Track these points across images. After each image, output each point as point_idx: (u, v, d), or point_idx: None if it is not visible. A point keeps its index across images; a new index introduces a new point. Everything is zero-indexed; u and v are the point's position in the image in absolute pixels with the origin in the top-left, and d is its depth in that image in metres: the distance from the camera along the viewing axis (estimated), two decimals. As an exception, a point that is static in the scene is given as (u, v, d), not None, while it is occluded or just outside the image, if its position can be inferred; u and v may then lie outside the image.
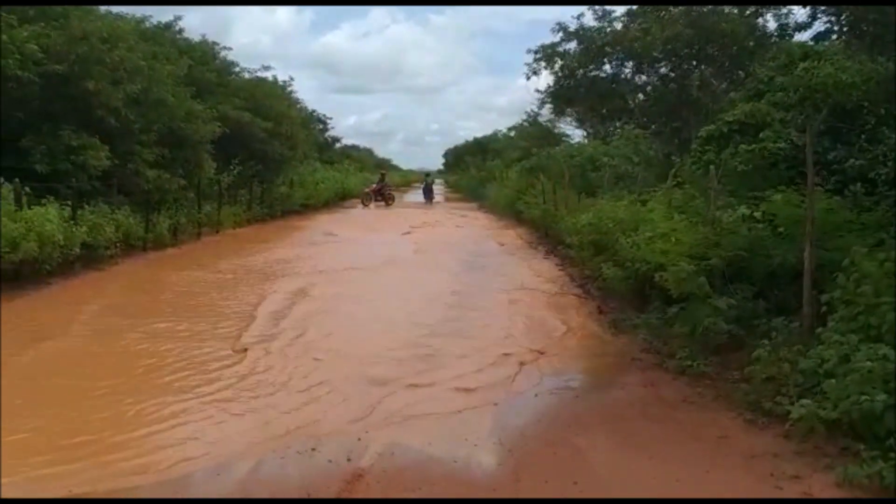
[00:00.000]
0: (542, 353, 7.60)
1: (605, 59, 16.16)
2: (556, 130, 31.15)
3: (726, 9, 13.95)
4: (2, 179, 11.01)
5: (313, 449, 4.95)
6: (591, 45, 15.87)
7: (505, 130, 45.26)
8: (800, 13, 9.82)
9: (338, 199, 35.80)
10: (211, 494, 4.40)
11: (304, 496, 4.32)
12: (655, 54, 15.17)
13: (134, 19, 18.47)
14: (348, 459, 4.77)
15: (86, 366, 6.85)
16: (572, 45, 16.41)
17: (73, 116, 13.52)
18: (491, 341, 8.12)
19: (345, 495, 4.33)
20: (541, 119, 31.19)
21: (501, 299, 10.78)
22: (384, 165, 61.35)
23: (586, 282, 11.59)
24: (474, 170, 42.38)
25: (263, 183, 24.80)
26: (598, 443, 5.22)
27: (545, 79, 18.16)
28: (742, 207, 7.66)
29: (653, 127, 16.51)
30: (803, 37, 11.35)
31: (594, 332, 8.64)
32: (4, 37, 11.77)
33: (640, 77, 16.44)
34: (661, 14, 14.61)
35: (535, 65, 17.04)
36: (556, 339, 8.35)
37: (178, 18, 21.87)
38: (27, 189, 11.22)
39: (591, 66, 16.27)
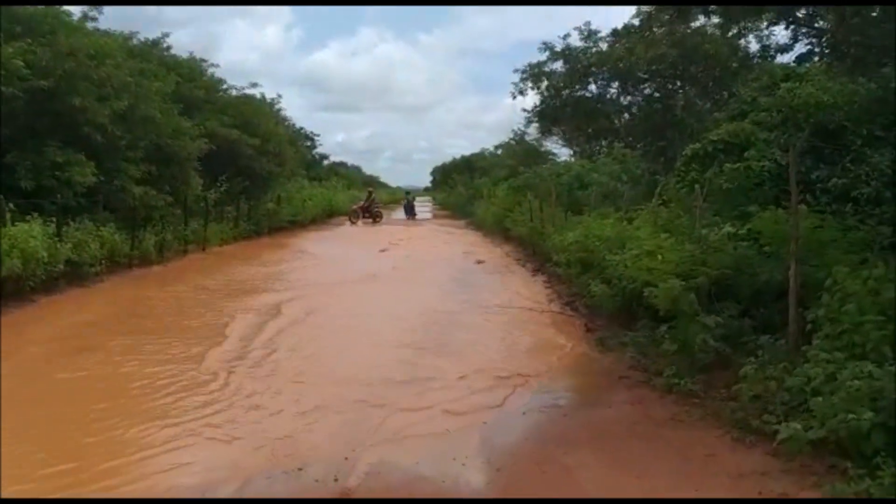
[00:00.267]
0: (529, 372, 7.58)
1: (591, 79, 16.37)
2: (542, 149, 31.38)
3: (709, 30, 14.17)
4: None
5: (300, 469, 4.90)
6: (577, 64, 16.07)
7: (492, 149, 45.64)
8: (781, 35, 9.99)
9: (325, 216, 35.76)
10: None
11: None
12: (640, 74, 15.38)
13: (121, 36, 18.47)
14: (335, 479, 4.72)
15: (74, 390, 6.75)
16: (558, 65, 16.61)
17: (59, 132, 13.46)
18: (477, 359, 8.09)
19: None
20: (528, 138, 31.44)
21: (488, 317, 10.77)
22: (372, 183, 61.49)
23: (573, 299, 11.60)
24: (462, 188, 42.48)
25: (251, 200, 24.74)
26: (586, 461, 5.20)
27: (532, 98, 18.33)
28: (727, 226, 7.73)
29: (638, 146, 16.69)
30: (785, 59, 11.54)
31: (582, 350, 8.63)
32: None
33: (625, 97, 16.65)
34: (646, 35, 14.81)
35: (521, 84, 17.23)
36: (543, 356, 8.33)
37: (166, 35, 21.95)
38: (11, 205, 11.15)
39: (576, 86, 16.48)
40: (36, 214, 11.49)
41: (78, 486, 4.60)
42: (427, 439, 5.57)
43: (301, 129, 42.57)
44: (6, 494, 4.32)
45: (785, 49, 11.68)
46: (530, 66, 16.91)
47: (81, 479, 4.67)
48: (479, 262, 17.84)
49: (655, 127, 15.75)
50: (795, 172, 6.71)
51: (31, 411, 5.93)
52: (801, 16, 9.02)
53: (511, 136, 35.66)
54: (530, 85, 16.96)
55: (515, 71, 17.32)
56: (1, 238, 10.13)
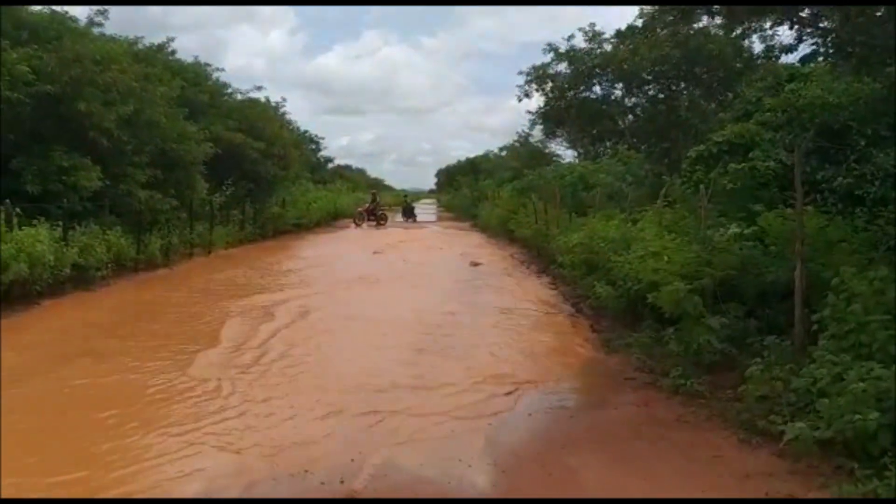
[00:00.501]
0: (533, 373, 7.59)
1: (595, 81, 16.36)
2: (546, 151, 31.38)
3: (713, 30, 14.15)
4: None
5: (306, 471, 4.90)
6: (582, 66, 16.05)
7: (496, 150, 45.64)
8: (785, 35, 9.95)
9: (330, 218, 35.81)
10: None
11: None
12: (644, 76, 15.37)
13: (126, 41, 18.56)
14: (341, 481, 4.73)
15: (85, 397, 6.77)
16: (563, 67, 16.60)
17: (65, 137, 13.52)
18: (482, 361, 8.09)
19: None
20: (532, 140, 31.43)
21: (493, 318, 10.76)
22: (376, 185, 61.51)
23: (578, 301, 11.59)
24: (467, 189, 42.48)
25: (256, 203, 24.80)
26: (592, 463, 5.19)
27: (536, 100, 18.34)
28: (733, 226, 7.72)
29: (643, 147, 16.66)
30: (789, 59, 11.50)
31: (587, 352, 8.62)
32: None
33: (629, 98, 16.63)
34: (649, 36, 14.80)
35: (526, 87, 17.23)
36: (548, 358, 8.33)
37: (171, 40, 22.03)
38: (18, 210, 11.19)
39: (581, 88, 16.46)
40: (42, 219, 11.54)
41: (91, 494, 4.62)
42: (432, 441, 5.57)
43: (306, 132, 42.69)
44: (6, 495, 4.33)
45: (789, 49, 11.61)
46: (534, 67, 16.93)
47: (92, 488, 4.66)
48: (475, 263, 17.75)
49: (660, 128, 15.74)
50: (800, 172, 6.70)
51: (38, 418, 5.90)
52: (805, 16, 8.99)
53: (515, 137, 35.71)
54: (535, 87, 16.97)
55: (520, 73, 17.36)
56: (3, 242, 10.16)
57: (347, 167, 68.01)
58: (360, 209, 36.77)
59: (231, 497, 4.55)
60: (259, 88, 26.85)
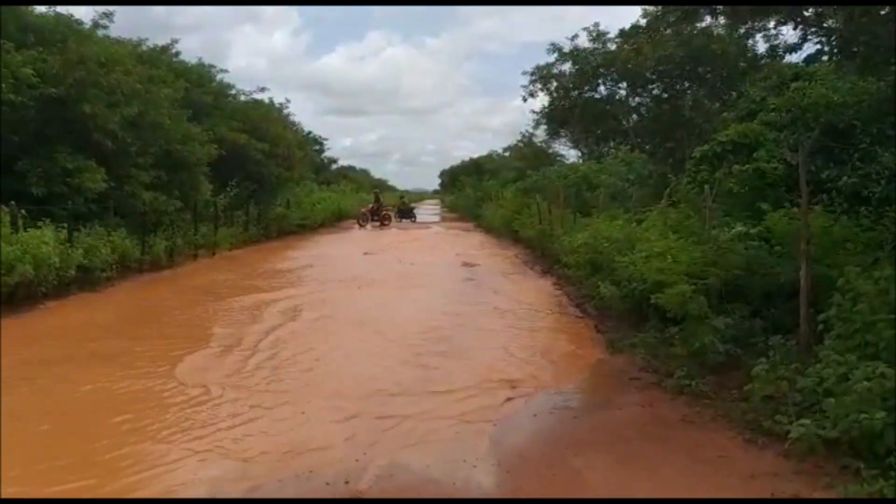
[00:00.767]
0: (539, 373, 7.59)
1: (600, 81, 16.33)
2: (550, 151, 31.35)
3: (716, 30, 14.13)
4: (-2, 202, 11.03)
5: (311, 471, 4.91)
6: (586, 65, 16.04)
7: (500, 151, 45.59)
8: (790, 34, 9.93)
9: (334, 219, 35.85)
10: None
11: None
12: (648, 75, 15.34)
13: (130, 43, 18.63)
14: (346, 482, 4.73)
15: (92, 401, 6.78)
16: (567, 66, 16.59)
17: (70, 139, 13.57)
18: (487, 361, 8.09)
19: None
20: (536, 140, 31.40)
21: (497, 318, 10.76)
22: (379, 186, 61.48)
23: (583, 301, 11.58)
24: (470, 190, 42.45)
25: (259, 204, 24.84)
26: (597, 463, 5.18)
27: (541, 100, 18.33)
28: (738, 226, 7.70)
29: (647, 147, 16.64)
30: (793, 58, 11.47)
31: (592, 352, 8.61)
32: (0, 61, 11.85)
33: (633, 98, 16.61)
34: (653, 36, 14.78)
35: (530, 86, 17.22)
36: (553, 358, 8.33)
37: (175, 41, 22.09)
38: (23, 212, 11.23)
39: (585, 87, 16.44)
40: (48, 220, 11.58)
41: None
42: (437, 442, 5.56)
43: (309, 132, 42.77)
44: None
45: (793, 49, 11.59)
46: (538, 67, 16.92)
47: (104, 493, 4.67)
48: (469, 264, 17.71)
49: (664, 128, 15.72)
50: (805, 172, 6.69)
51: (46, 423, 5.83)
52: (809, 15, 8.97)
53: (519, 138, 35.67)
54: (539, 87, 16.96)
55: (524, 73, 17.34)
56: (9, 244, 10.19)
57: (351, 168, 68.21)
58: (363, 210, 36.79)
59: (234, 497, 4.55)
60: (263, 89, 26.92)
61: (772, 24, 9.81)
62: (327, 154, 51.60)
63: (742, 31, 11.24)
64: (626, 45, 15.50)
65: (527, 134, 32.54)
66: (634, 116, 16.93)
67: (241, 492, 4.61)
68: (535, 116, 21.37)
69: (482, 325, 10.31)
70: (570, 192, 18.80)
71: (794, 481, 4.62)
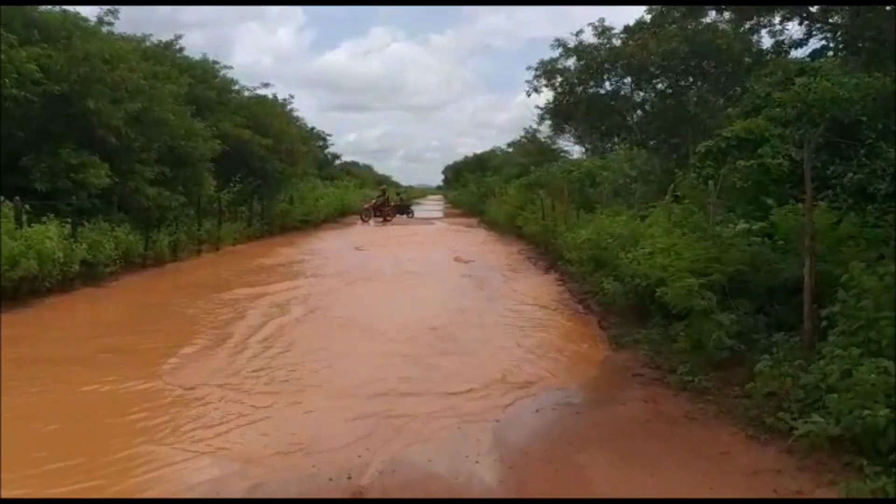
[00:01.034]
0: (542, 369, 7.59)
1: (605, 76, 16.26)
2: (554, 147, 31.28)
3: (721, 25, 14.05)
4: (2, 198, 11.04)
5: (313, 467, 4.92)
6: (591, 61, 15.97)
7: (504, 147, 45.52)
8: (795, 30, 9.88)
9: (337, 215, 35.86)
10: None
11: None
12: (652, 69, 15.28)
13: (135, 39, 18.66)
14: (349, 477, 4.74)
15: (97, 401, 6.80)
16: (571, 62, 16.52)
17: (74, 135, 13.60)
18: (490, 357, 8.10)
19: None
20: (539, 135, 31.34)
21: (501, 314, 10.76)
22: (384, 181, 61.41)
23: (586, 297, 11.57)
24: (474, 186, 42.41)
25: (263, 200, 24.85)
26: (600, 459, 5.18)
27: (545, 95, 18.26)
28: (742, 222, 7.68)
29: (651, 143, 16.58)
30: (799, 54, 11.40)
31: (595, 348, 8.61)
32: (3, 56, 11.85)
33: (638, 93, 16.54)
34: (657, 32, 14.73)
35: (535, 82, 17.14)
36: (556, 354, 8.32)
37: (179, 37, 22.11)
38: (27, 207, 11.26)
39: (590, 83, 16.37)
40: (52, 216, 11.62)
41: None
42: (440, 437, 5.57)
43: (313, 128, 42.71)
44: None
45: (799, 44, 11.52)
46: (543, 62, 16.83)
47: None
48: (471, 260, 17.68)
49: (668, 123, 15.65)
50: (811, 168, 6.66)
51: (52, 423, 5.78)
52: (814, 11, 8.92)
53: (523, 134, 35.61)
54: (544, 82, 16.88)
55: (528, 68, 17.24)
56: (13, 239, 10.22)
57: (355, 164, 68.16)
58: (366, 205, 36.77)
59: (238, 497, 4.56)
60: (266, 85, 26.89)
61: (777, 19, 9.75)
62: (331, 150, 51.59)
63: (747, 26, 11.17)
64: (630, 41, 15.44)
65: (530, 130, 32.52)
66: (639, 112, 16.86)
67: (244, 490, 4.60)
68: (540, 112, 21.32)
69: (484, 321, 10.31)
70: (573, 188, 18.78)
71: (797, 478, 4.61)
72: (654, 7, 14.36)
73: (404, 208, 39.18)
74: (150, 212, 15.45)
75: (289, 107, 29.15)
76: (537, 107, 22.26)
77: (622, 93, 16.58)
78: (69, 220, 12.09)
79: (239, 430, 5.62)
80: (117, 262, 13.30)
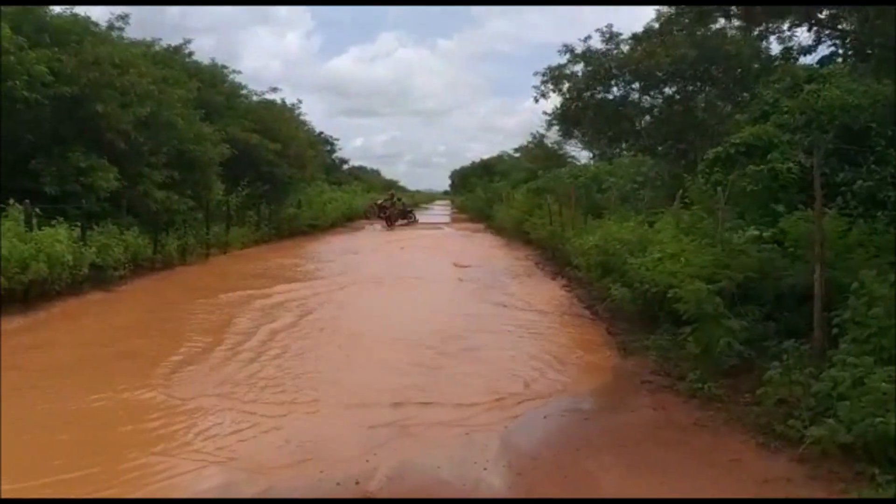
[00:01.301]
0: (550, 376, 7.57)
1: (613, 82, 16.24)
2: (561, 152, 31.24)
3: (730, 31, 14.02)
4: (12, 201, 11.10)
5: (321, 472, 4.92)
6: (599, 67, 15.96)
7: (511, 152, 45.47)
8: (804, 36, 9.86)
9: (345, 219, 35.92)
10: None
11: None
12: (660, 75, 15.26)
13: (144, 43, 18.76)
14: (357, 482, 4.74)
15: (103, 410, 6.82)
16: (579, 68, 16.52)
17: (83, 139, 13.67)
18: (498, 363, 8.08)
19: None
20: (547, 141, 31.30)
21: (508, 321, 10.75)
22: (391, 186, 61.32)
23: (594, 303, 11.54)
24: (481, 191, 42.42)
25: (271, 204, 24.92)
26: (608, 466, 5.17)
27: (553, 101, 18.25)
28: (751, 229, 7.66)
29: (659, 149, 16.55)
30: (807, 60, 11.38)
31: (603, 354, 8.58)
32: (13, 58, 11.93)
33: (646, 99, 16.52)
34: (665, 40, 14.72)
35: (542, 87, 17.13)
36: (564, 361, 8.30)
37: (188, 42, 22.24)
38: (37, 210, 11.31)
39: (598, 88, 16.35)
40: (61, 219, 11.66)
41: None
42: (448, 443, 5.56)
43: (321, 133, 42.86)
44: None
45: (808, 51, 11.50)
46: (550, 68, 16.83)
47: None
48: (480, 266, 17.65)
49: (676, 129, 15.63)
50: (820, 175, 6.64)
51: (62, 431, 5.73)
52: (823, 17, 8.90)
53: (530, 139, 35.57)
54: (551, 87, 16.87)
55: (535, 74, 17.24)
56: (23, 242, 10.28)
57: (362, 168, 68.28)
58: (372, 203, 36.78)
59: (244, 497, 4.56)
60: (275, 90, 27.03)
61: (786, 25, 9.74)
62: (339, 154, 51.79)
63: (756, 32, 11.15)
64: (638, 48, 15.43)
65: (538, 135, 32.49)
66: (647, 118, 16.83)
67: (252, 494, 4.61)
68: (548, 118, 21.31)
69: (492, 327, 10.30)
70: (580, 193, 18.74)
71: (808, 486, 4.58)
72: (662, 13, 14.35)
73: (405, 214, 39.61)
74: (158, 215, 15.51)
75: (297, 111, 29.29)
76: (545, 112, 22.25)
77: (630, 98, 16.56)
78: (78, 223, 12.14)
79: (248, 438, 5.59)
80: (126, 265, 13.34)
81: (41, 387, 6.79)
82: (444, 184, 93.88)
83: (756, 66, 14.24)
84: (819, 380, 5.33)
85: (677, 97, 15.92)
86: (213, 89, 21.79)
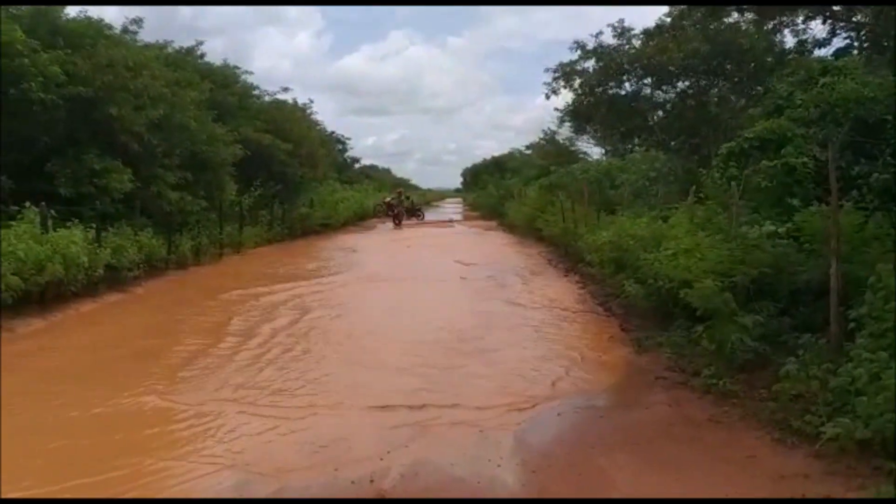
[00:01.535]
0: (564, 372, 7.55)
1: (625, 77, 16.18)
2: (573, 149, 31.12)
3: (743, 25, 13.93)
4: (28, 203, 11.20)
5: (335, 470, 4.93)
6: (611, 62, 15.91)
7: (522, 148, 45.34)
8: (818, 29, 9.78)
9: (357, 218, 35.97)
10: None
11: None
12: (672, 69, 15.18)
13: (157, 45, 18.90)
14: (371, 481, 4.74)
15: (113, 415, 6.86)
16: (590, 64, 16.47)
17: (97, 141, 13.80)
18: (512, 360, 8.07)
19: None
20: (558, 137, 31.21)
21: (522, 317, 10.73)
22: (402, 184, 61.36)
23: (608, 300, 11.50)
24: (493, 188, 42.32)
25: (284, 203, 25.02)
26: (623, 463, 5.14)
27: (564, 97, 18.22)
28: (767, 223, 7.59)
29: (672, 144, 16.47)
30: (822, 53, 11.29)
31: (617, 351, 8.54)
32: (26, 60, 12.04)
33: (658, 94, 16.45)
34: (678, 34, 14.64)
35: (554, 84, 17.10)
36: (578, 357, 8.28)
37: (200, 43, 22.40)
38: (53, 212, 11.41)
39: (610, 84, 16.30)
40: (76, 221, 11.76)
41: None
42: (462, 441, 5.55)
43: (332, 132, 42.93)
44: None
45: (822, 44, 11.42)
46: (562, 64, 16.80)
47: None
48: (492, 263, 17.64)
49: (689, 124, 15.56)
50: (835, 168, 6.57)
51: (84, 437, 5.72)
52: (838, 10, 8.82)
53: (541, 135, 35.45)
54: (563, 84, 16.84)
55: (546, 70, 17.21)
56: (39, 244, 10.37)
57: (373, 167, 68.34)
58: (381, 201, 36.84)
59: (249, 497, 4.57)
60: (286, 90, 27.28)
61: (800, 19, 9.67)
62: (350, 154, 51.84)
63: (770, 26, 11.07)
64: (650, 43, 15.36)
65: (549, 132, 32.39)
66: (659, 113, 16.76)
67: (267, 493, 4.63)
68: (559, 114, 21.28)
69: (506, 324, 10.28)
70: (592, 188, 18.66)
71: (825, 482, 4.53)
72: (674, 9, 14.28)
73: (414, 211, 39.72)
74: (172, 216, 15.62)
75: (308, 111, 29.39)
76: (556, 109, 22.21)
77: (642, 94, 16.50)
78: (93, 224, 12.24)
79: (266, 441, 5.56)
80: (141, 266, 13.44)
81: (60, 391, 6.80)
82: (455, 181, 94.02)
83: (770, 59, 14.13)
84: (836, 375, 5.28)
85: (690, 92, 15.84)
86: (225, 90, 21.90)
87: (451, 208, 61.02)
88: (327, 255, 21.13)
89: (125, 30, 16.08)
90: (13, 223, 10.59)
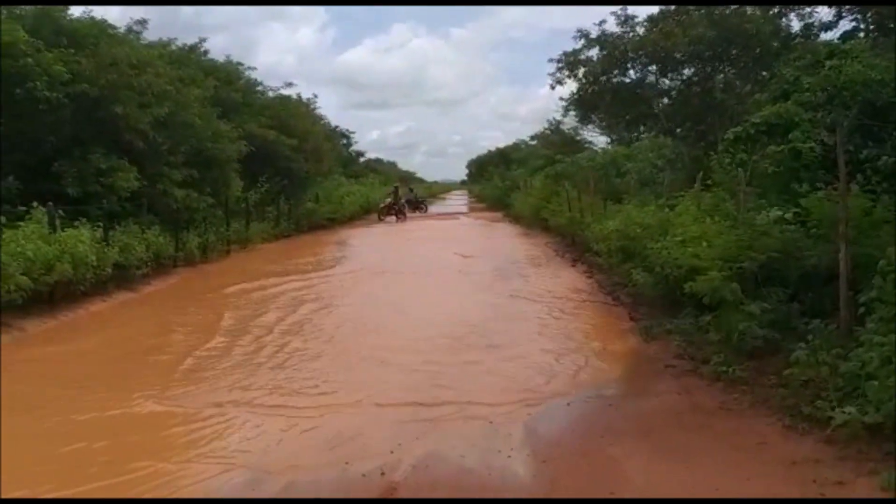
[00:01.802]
0: (573, 361, 7.54)
1: (629, 65, 16.10)
2: (578, 138, 31.04)
3: (749, 10, 13.82)
4: (35, 203, 11.25)
5: (346, 463, 4.94)
6: (614, 50, 15.82)
7: (528, 139, 45.26)
8: (824, 13, 9.68)
9: (363, 212, 35.96)
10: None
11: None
12: (677, 56, 15.09)
13: (161, 43, 18.90)
14: (382, 473, 4.75)
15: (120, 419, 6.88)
16: (594, 52, 16.39)
17: (103, 140, 13.81)
18: (520, 350, 8.07)
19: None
20: (564, 127, 31.12)
21: (529, 307, 10.72)
22: (403, 178, 60.91)
23: (615, 289, 11.48)
24: (498, 179, 42.26)
25: (290, 199, 25.04)
26: (634, 452, 5.12)
27: (569, 87, 18.15)
28: (775, 209, 7.55)
29: (678, 131, 16.39)
30: (828, 36, 11.18)
31: (626, 340, 8.53)
32: (30, 60, 12.07)
33: (663, 81, 16.36)
34: (681, 18, 14.54)
35: (558, 74, 17.03)
36: (586, 346, 8.27)
37: (203, 40, 22.42)
38: (60, 212, 11.45)
39: (615, 72, 16.23)
40: (84, 220, 11.80)
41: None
42: (472, 432, 5.55)
43: (336, 127, 42.96)
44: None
45: (828, 27, 11.32)
46: (566, 54, 16.72)
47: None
48: (527, 252, 17.67)
49: (695, 111, 15.48)
50: (843, 152, 6.52)
51: (101, 440, 5.63)
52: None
53: (546, 125, 35.36)
54: (567, 73, 16.77)
55: (551, 60, 17.13)
56: (47, 244, 10.42)
57: (379, 161, 68.27)
58: (382, 204, 36.85)
59: (256, 497, 4.59)
60: (290, 85, 27.11)
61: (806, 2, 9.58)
62: (355, 147, 51.90)
63: (776, 10, 10.97)
64: (655, 29, 15.26)
65: (554, 121, 32.30)
66: (665, 100, 16.67)
67: (279, 487, 4.63)
68: (564, 104, 21.20)
69: (514, 314, 10.28)
70: (599, 178, 18.60)
71: (838, 467, 4.51)
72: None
73: (417, 204, 39.43)
74: (179, 213, 15.65)
75: (312, 106, 29.38)
76: (561, 98, 22.12)
77: (647, 81, 16.41)
78: (101, 223, 12.27)
79: (278, 440, 5.49)
80: (149, 263, 13.48)
81: (73, 395, 6.73)
82: (460, 173, 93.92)
83: (776, 44, 14.03)
84: (846, 360, 5.25)
85: (695, 78, 15.76)
86: (229, 87, 21.91)
87: (457, 201, 60.99)
88: (334, 249, 21.14)
89: (129, 31, 16.11)
90: (21, 224, 10.62)
